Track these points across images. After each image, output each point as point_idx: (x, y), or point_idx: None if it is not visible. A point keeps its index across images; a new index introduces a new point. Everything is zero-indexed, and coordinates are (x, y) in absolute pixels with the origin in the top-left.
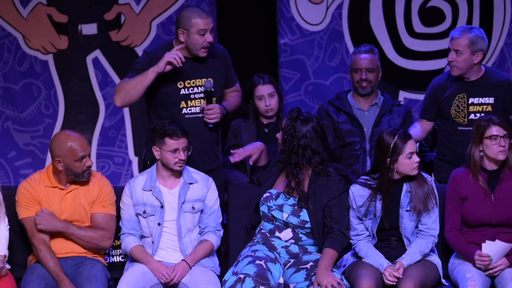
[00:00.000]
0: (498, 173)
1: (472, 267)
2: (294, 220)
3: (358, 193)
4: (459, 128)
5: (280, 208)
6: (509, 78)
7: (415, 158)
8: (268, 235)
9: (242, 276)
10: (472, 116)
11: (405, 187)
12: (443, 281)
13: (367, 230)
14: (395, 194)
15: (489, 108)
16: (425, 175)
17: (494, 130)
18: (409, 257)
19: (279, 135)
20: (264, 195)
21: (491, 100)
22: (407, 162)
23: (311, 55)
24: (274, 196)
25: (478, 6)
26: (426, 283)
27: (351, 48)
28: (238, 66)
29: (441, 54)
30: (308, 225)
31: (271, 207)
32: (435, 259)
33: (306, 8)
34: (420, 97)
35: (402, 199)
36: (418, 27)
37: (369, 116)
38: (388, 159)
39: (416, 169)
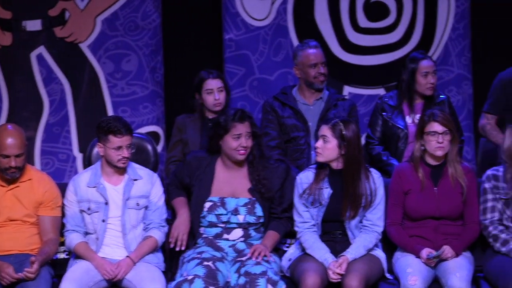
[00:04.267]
0: (442, 167)
1: (414, 261)
2: (251, 219)
3: (305, 180)
4: None
5: (235, 212)
6: None
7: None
8: (213, 238)
9: (190, 277)
10: None
11: (349, 178)
12: (387, 275)
13: (313, 218)
14: (340, 186)
15: None
16: (373, 171)
17: (434, 126)
18: (353, 251)
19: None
20: (207, 206)
21: None
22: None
23: (256, 50)
24: (218, 203)
25: (422, 1)
26: (371, 277)
27: (296, 43)
28: (184, 61)
29: (386, 49)
30: (262, 220)
31: (221, 214)
32: (379, 253)
33: (251, 3)
34: (365, 91)
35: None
36: (363, 22)
37: (314, 110)
38: None
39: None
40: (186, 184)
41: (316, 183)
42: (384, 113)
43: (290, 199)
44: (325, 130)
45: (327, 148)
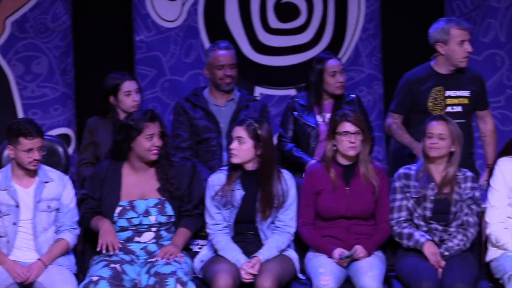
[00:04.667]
0: (354, 166)
1: (326, 261)
2: (162, 219)
3: (218, 182)
4: None
5: (146, 214)
6: (481, 74)
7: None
8: (124, 242)
9: (95, 278)
10: (449, 108)
11: (262, 179)
12: (300, 275)
13: (225, 220)
14: (253, 187)
15: (466, 101)
16: (284, 172)
17: (346, 126)
18: (266, 252)
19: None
20: (117, 211)
21: (467, 93)
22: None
23: (167, 52)
24: (128, 207)
25: (333, 2)
26: (283, 278)
27: (206, 45)
28: (94, 63)
29: (297, 49)
30: (172, 219)
31: (133, 217)
32: (291, 253)
33: (161, 4)
34: (276, 92)
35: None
36: (274, 22)
37: (225, 111)
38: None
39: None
40: (99, 198)
41: (228, 184)
42: (295, 112)
43: (199, 195)
44: (240, 131)
45: (243, 149)
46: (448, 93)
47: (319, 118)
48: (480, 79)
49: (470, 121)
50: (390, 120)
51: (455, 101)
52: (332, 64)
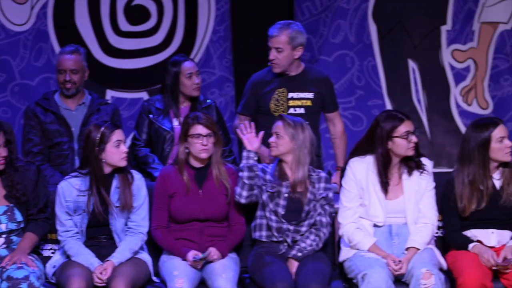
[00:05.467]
0: (206, 169)
1: (180, 264)
2: (13, 226)
3: (67, 189)
4: None
5: None
6: (328, 75)
7: (123, 148)
8: None
9: None
10: (291, 110)
11: (115, 182)
12: (154, 278)
13: (76, 226)
14: (104, 190)
15: (309, 103)
16: (134, 172)
17: (198, 128)
18: (119, 255)
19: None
20: None
21: (310, 95)
22: (115, 150)
23: (17, 56)
24: None
25: (183, 4)
26: (137, 281)
27: (57, 48)
28: None
29: (148, 52)
30: (22, 225)
31: None
32: (145, 256)
33: (9, 8)
34: (128, 95)
35: (111, 195)
36: (124, 25)
37: (77, 115)
38: (96, 148)
39: (124, 160)
40: None
41: (80, 190)
42: (150, 115)
43: (45, 199)
44: (121, 134)
45: (125, 151)
46: (291, 94)
47: (175, 122)
48: (326, 80)
49: (316, 123)
50: (238, 121)
51: (298, 103)
52: (188, 66)
